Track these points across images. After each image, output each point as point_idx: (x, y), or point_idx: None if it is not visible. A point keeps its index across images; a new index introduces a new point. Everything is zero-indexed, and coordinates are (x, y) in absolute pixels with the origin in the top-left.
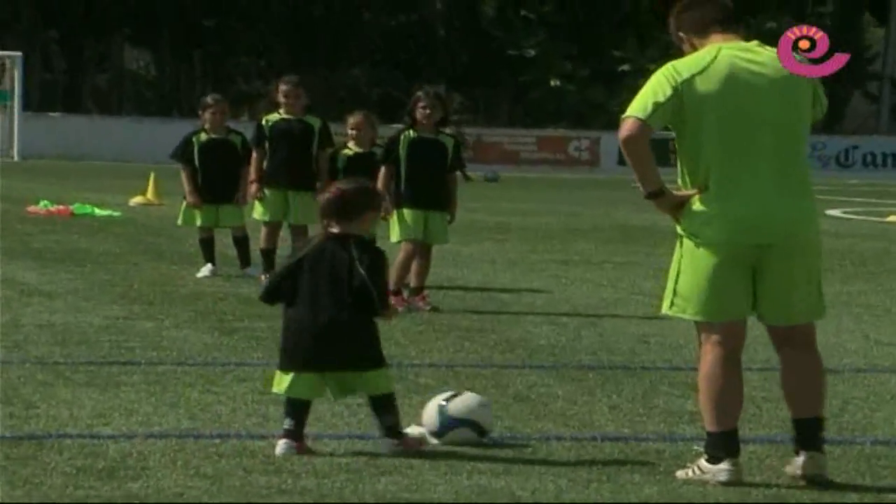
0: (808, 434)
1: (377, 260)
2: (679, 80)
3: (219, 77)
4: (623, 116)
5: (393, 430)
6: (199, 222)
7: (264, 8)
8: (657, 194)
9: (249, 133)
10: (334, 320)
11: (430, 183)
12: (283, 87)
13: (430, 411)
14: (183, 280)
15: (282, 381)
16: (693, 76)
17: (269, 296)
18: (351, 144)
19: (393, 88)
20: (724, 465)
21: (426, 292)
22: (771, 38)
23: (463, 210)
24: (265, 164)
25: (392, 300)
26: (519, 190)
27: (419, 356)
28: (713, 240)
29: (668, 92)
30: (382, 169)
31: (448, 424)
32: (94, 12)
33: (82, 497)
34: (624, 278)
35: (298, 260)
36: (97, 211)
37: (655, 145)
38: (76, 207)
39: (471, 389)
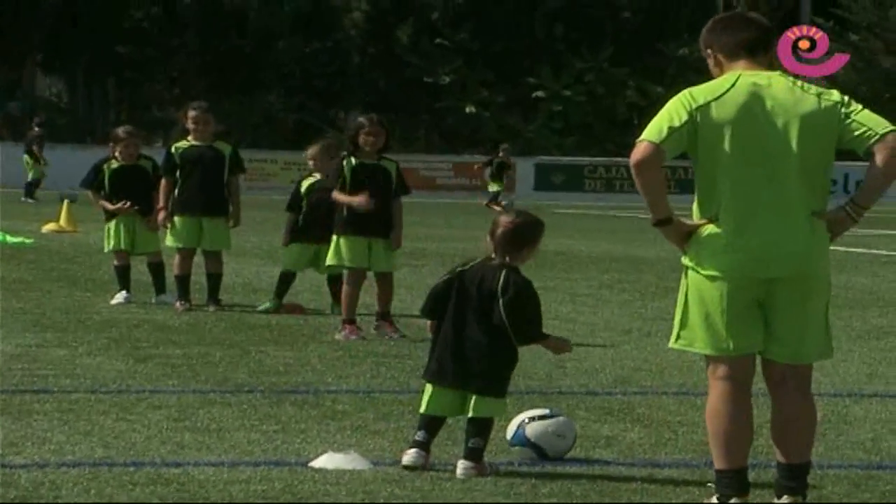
0: (796, 480)
1: (522, 292)
2: (695, 105)
3: (133, 104)
4: (637, 141)
5: (476, 453)
6: (121, 245)
7: (178, 35)
8: (665, 222)
9: (160, 160)
10: (475, 345)
11: (374, 210)
12: (191, 114)
13: (515, 421)
14: (96, 307)
15: (424, 395)
16: (709, 102)
17: (430, 313)
18: (315, 173)
19: (308, 115)
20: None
21: (392, 319)
22: (684, 64)
23: None
24: (176, 191)
25: (346, 329)
26: (435, 215)
27: (336, 382)
28: (718, 272)
29: (684, 117)
30: (334, 192)
31: (516, 440)
32: (5, 39)
33: None
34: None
35: (452, 278)
36: (9, 238)
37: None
38: None
39: (388, 415)
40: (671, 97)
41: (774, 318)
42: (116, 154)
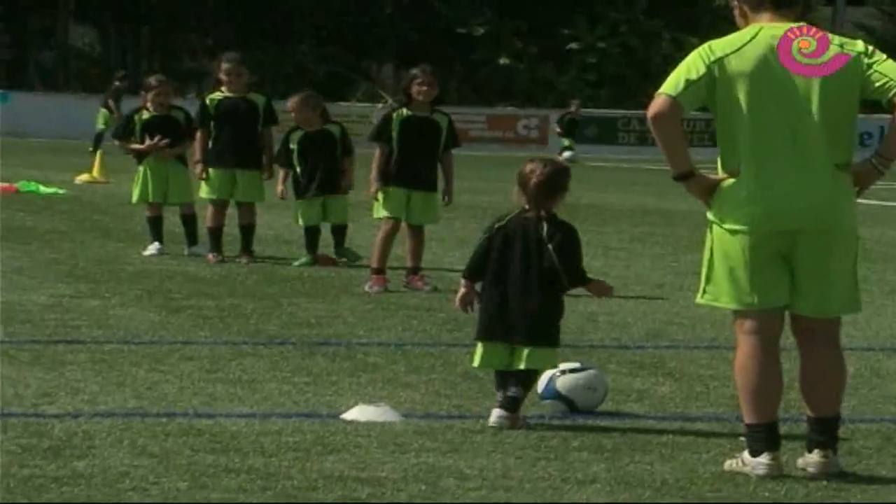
0: (825, 434)
1: (569, 236)
2: (713, 58)
3: (165, 54)
4: (656, 94)
5: (514, 403)
6: (150, 198)
7: None
8: (686, 176)
9: (193, 111)
10: (525, 297)
11: (419, 163)
12: (224, 66)
13: (546, 375)
14: (129, 258)
15: (476, 353)
16: (727, 55)
17: (473, 274)
18: (300, 126)
19: (340, 65)
20: (762, 459)
21: (424, 273)
22: (719, 15)
23: None
24: (210, 142)
25: (373, 279)
26: (468, 168)
27: (367, 335)
28: (740, 225)
29: (702, 70)
30: (377, 150)
31: (547, 394)
32: None
33: (27, 476)
34: None
35: (492, 236)
36: (42, 189)
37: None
38: (21, 185)
39: (419, 368)
40: None
41: (798, 271)
42: (148, 104)
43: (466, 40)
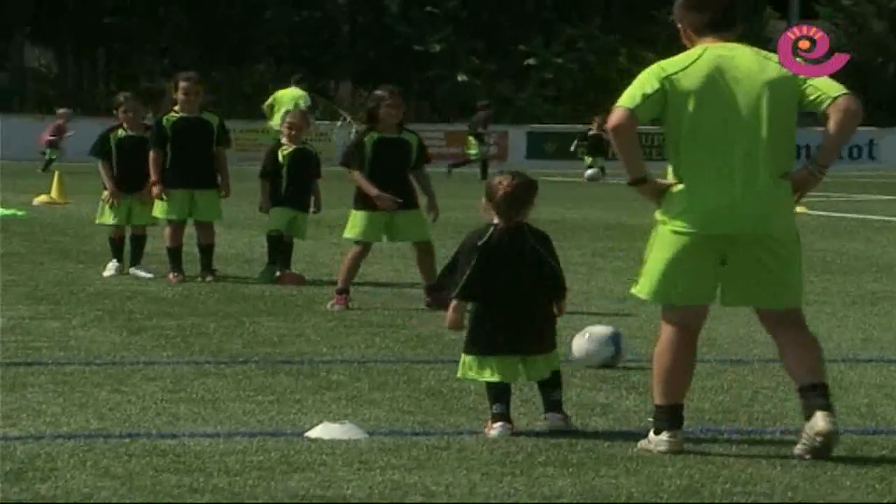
0: (818, 396)
1: (550, 243)
2: (664, 75)
3: (122, 76)
4: (613, 107)
5: (560, 404)
6: (112, 220)
7: (166, 5)
8: (640, 181)
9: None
10: (528, 307)
11: (396, 182)
12: (182, 84)
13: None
14: (89, 279)
15: (472, 366)
16: (677, 72)
17: (467, 295)
18: (284, 141)
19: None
20: (664, 437)
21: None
22: (675, 30)
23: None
24: (167, 163)
25: (335, 298)
26: None
27: (331, 353)
28: (683, 228)
29: (656, 85)
30: (354, 172)
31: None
32: None
33: None
34: None
35: (479, 254)
36: (1, 210)
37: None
38: None
39: (383, 385)
40: None
41: (742, 271)
42: (123, 123)
43: (424, 57)
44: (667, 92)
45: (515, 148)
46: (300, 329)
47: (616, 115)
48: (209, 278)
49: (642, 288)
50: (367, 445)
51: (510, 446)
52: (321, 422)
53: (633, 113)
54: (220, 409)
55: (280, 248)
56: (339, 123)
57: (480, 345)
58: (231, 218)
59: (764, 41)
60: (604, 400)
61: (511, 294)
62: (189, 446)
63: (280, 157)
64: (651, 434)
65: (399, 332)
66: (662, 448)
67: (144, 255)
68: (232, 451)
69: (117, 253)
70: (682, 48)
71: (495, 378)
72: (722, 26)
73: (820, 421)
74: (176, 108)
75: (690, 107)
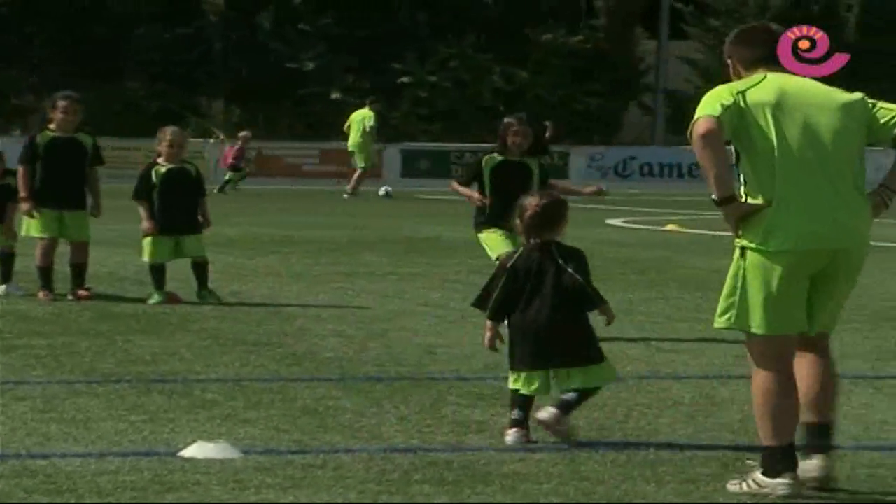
0: (822, 438)
1: (581, 259)
2: (735, 90)
3: None
4: (694, 119)
5: (566, 405)
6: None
7: (36, 22)
8: (730, 199)
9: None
10: (553, 321)
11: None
12: (61, 103)
13: None
14: None
15: (512, 379)
16: (747, 89)
17: (499, 314)
18: (160, 160)
19: (171, 102)
20: (783, 479)
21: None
22: (548, 50)
23: (246, 224)
24: (38, 181)
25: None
26: (302, 203)
27: (205, 371)
28: (780, 248)
29: (730, 99)
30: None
31: None
32: None
33: None
34: (410, 290)
35: (508, 277)
36: None
37: None
38: None
39: (258, 404)
40: (537, 82)
41: (819, 290)
42: (51, 125)
43: (297, 75)
44: (741, 107)
45: (390, 166)
46: (174, 348)
47: (702, 124)
48: (83, 293)
49: (742, 321)
50: (242, 465)
51: (386, 464)
52: (195, 441)
53: (719, 120)
54: (92, 428)
55: (158, 276)
56: (211, 140)
57: (514, 360)
58: (102, 236)
59: (636, 63)
60: (480, 417)
61: (537, 311)
62: (60, 467)
63: (153, 177)
64: (760, 476)
65: (274, 351)
66: (782, 491)
67: (13, 273)
68: (104, 472)
69: (5, 273)
70: (555, 68)
71: (529, 392)
72: (770, 61)
73: (822, 467)
74: (51, 126)
75: (769, 120)
